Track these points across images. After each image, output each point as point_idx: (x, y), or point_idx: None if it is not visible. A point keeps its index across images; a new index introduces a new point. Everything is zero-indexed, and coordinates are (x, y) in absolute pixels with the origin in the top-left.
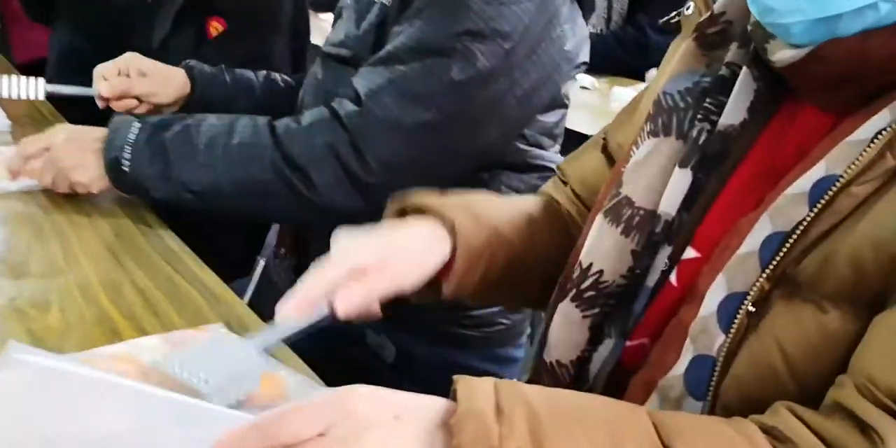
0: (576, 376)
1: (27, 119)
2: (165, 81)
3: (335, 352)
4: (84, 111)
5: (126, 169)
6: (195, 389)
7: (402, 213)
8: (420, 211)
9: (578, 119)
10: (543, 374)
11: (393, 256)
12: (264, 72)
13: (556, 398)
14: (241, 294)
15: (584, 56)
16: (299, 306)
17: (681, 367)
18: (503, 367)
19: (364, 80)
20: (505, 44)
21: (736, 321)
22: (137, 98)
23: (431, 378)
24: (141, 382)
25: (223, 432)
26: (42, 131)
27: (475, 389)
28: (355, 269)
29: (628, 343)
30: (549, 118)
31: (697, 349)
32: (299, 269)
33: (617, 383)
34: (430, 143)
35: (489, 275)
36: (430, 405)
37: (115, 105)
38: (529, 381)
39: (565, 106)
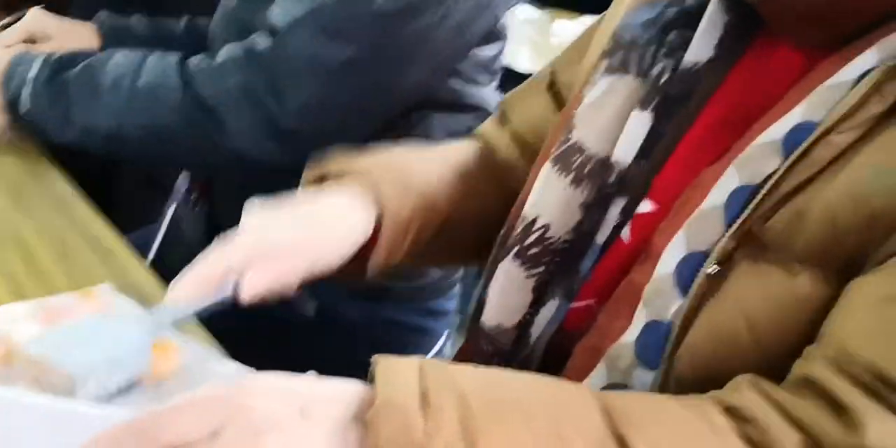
0: (516, 341)
1: None
2: (71, 42)
3: (251, 308)
4: None
5: (23, 110)
6: (69, 376)
7: (322, 179)
8: (341, 178)
9: (517, 55)
10: (481, 339)
11: (309, 236)
12: (186, 18)
13: (492, 385)
14: (146, 243)
15: None
16: (194, 287)
17: (632, 333)
18: (434, 320)
19: (281, 11)
20: None
21: (695, 283)
22: None
23: (356, 334)
24: None
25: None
26: None
27: (397, 374)
28: (265, 249)
29: (573, 305)
30: (486, 52)
31: (651, 314)
32: (212, 217)
33: (560, 349)
34: (354, 82)
35: (417, 245)
36: (342, 395)
37: None
38: (464, 347)
39: (503, 38)
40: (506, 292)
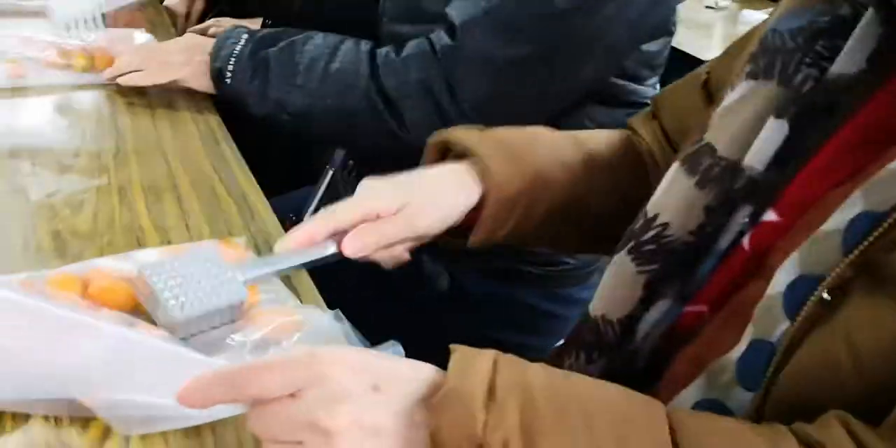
0: (621, 336)
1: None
2: None
3: (390, 273)
4: None
5: (228, 81)
6: (165, 307)
7: (443, 151)
8: (458, 151)
9: (694, 43)
10: (585, 329)
11: (411, 202)
12: None
13: (563, 386)
14: (305, 203)
15: None
16: (300, 241)
17: (738, 350)
18: (566, 307)
19: (459, 10)
20: None
21: (805, 308)
22: None
23: (485, 311)
24: (99, 320)
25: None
26: None
27: (471, 365)
28: (369, 212)
29: (686, 309)
30: (653, 47)
31: (757, 332)
32: None
33: (667, 352)
34: (527, 79)
35: (526, 221)
36: (415, 376)
37: None
38: (570, 337)
39: (671, 33)
40: (616, 284)
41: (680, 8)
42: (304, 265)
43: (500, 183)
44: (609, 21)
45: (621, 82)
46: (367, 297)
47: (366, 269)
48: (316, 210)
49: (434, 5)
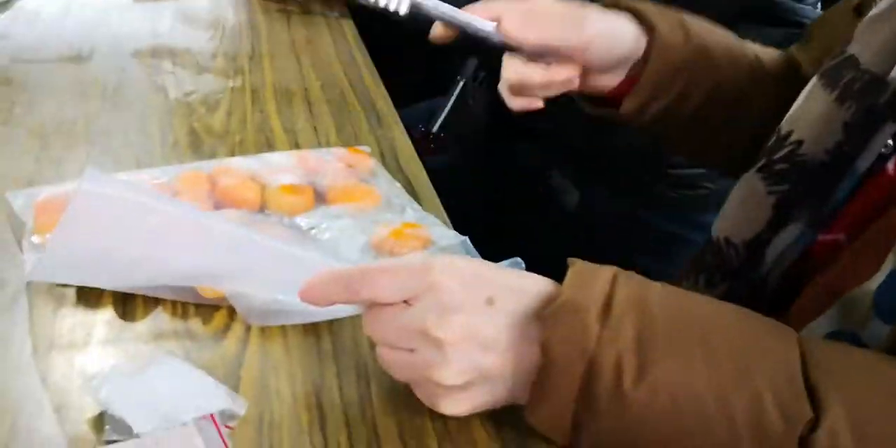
0: (747, 260)
1: None
2: None
3: (517, 187)
4: None
5: None
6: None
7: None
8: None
9: None
10: (707, 252)
11: (578, 25)
12: None
13: (686, 306)
14: (434, 113)
15: None
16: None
17: (876, 279)
18: (700, 233)
19: None
20: None
21: None
22: None
23: (612, 233)
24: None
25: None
26: None
27: (589, 277)
28: (534, 10)
29: (821, 236)
30: None
31: None
32: (495, 94)
33: (798, 281)
34: None
35: (684, 102)
36: (531, 290)
37: None
38: (691, 259)
39: None
40: (742, 205)
41: None
42: (463, 27)
43: (667, 46)
44: None
45: None
46: (491, 210)
47: (496, 182)
48: (444, 121)
49: None
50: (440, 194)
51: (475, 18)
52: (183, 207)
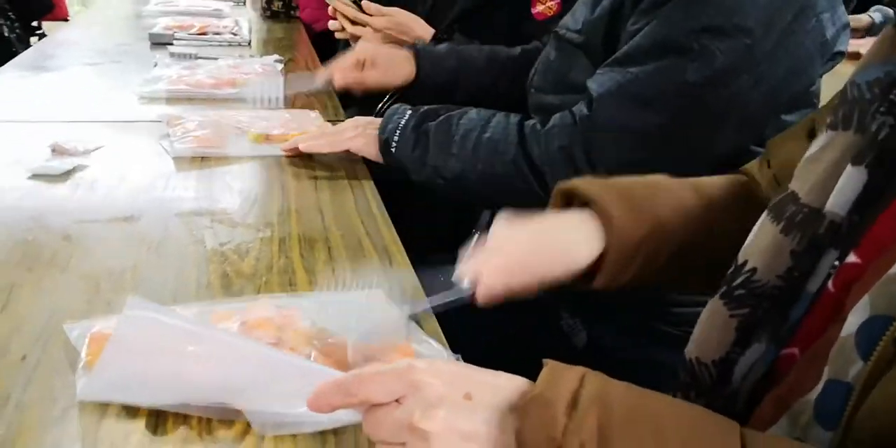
0: (718, 378)
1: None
2: (393, 72)
3: (525, 329)
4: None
5: (393, 151)
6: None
7: (568, 198)
8: (581, 200)
9: None
10: (681, 370)
11: (538, 251)
12: (487, 49)
13: (642, 404)
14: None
15: (843, 45)
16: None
17: (816, 390)
18: None
19: (597, 83)
20: (747, 39)
21: (877, 348)
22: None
23: (620, 371)
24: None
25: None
26: None
27: (560, 375)
28: (502, 260)
29: (783, 352)
30: (793, 118)
31: (832, 373)
32: None
33: (762, 395)
34: (661, 148)
35: (649, 267)
36: (506, 386)
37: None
38: (672, 380)
39: (813, 105)
40: (709, 328)
41: (823, 83)
42: (438, 308)
43: (622, 232)
44: (744, 92)
45: (761, 150)
46: (500, 350)
47: (503, 322)
48: None
49: (578, 77)
50: (453, 330)
51: (452, 296)
52: (213, 329)
